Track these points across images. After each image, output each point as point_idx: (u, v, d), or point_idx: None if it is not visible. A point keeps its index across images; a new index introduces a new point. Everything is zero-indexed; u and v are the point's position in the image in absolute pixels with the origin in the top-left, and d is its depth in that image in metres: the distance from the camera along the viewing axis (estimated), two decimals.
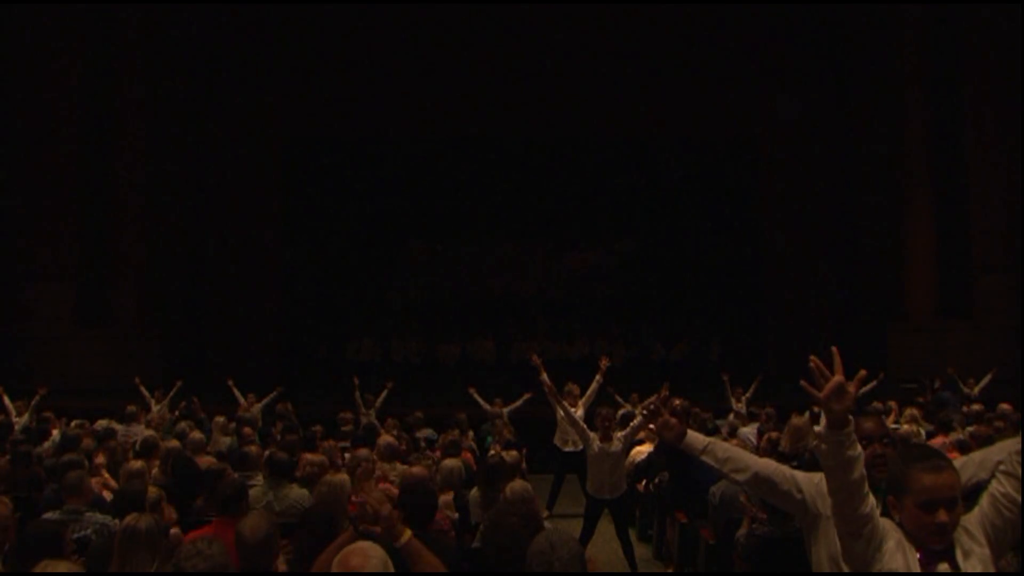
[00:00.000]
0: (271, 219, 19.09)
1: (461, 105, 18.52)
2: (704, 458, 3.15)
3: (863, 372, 2.54)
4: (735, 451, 3.19)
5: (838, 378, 2.50)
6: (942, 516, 2.36)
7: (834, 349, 2.59)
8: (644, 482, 8.32)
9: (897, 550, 2.42)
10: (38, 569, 3.13)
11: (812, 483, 3.03)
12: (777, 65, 18.76)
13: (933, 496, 2.38)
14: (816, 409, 11.27)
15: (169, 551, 4.36)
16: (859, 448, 2.48)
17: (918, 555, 2.41)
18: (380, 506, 3.15)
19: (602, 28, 18.35)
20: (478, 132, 19.03)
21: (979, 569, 2.36)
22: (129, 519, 3.64)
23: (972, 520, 2.38)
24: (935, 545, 2.38)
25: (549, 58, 18.28)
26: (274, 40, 18.52)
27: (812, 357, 2.61)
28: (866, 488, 2.48)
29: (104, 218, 16.42)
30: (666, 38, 18.44)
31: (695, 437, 3.19)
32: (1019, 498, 2.33)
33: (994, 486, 2.36)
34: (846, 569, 2.65)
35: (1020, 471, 2.32)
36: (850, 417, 2.49)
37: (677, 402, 6.68)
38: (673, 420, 3.22)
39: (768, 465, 3.14)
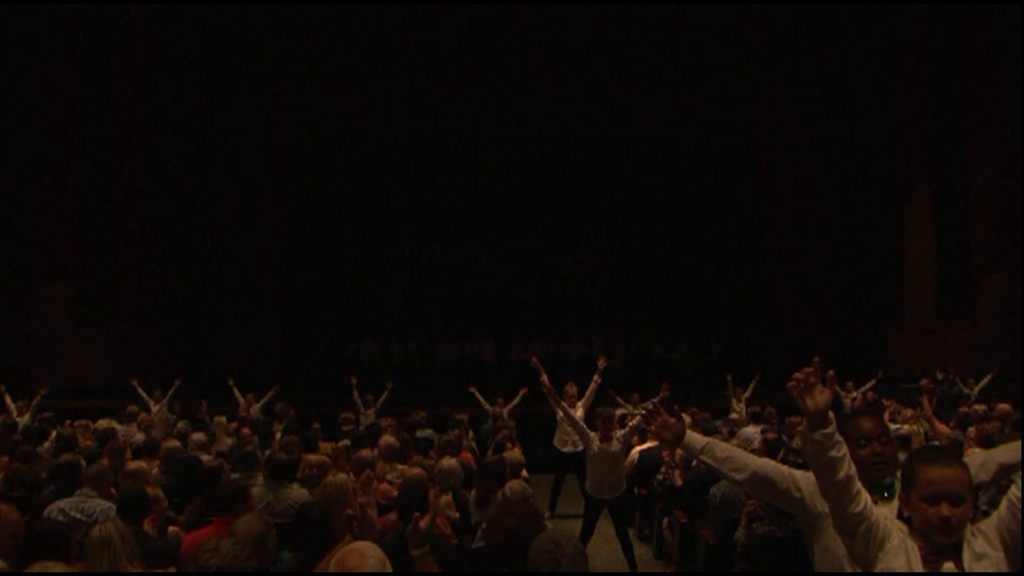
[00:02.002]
0: (271, 219, 19.09)
1: (461, 107, 18.53)
2: (703, 458, 3.15)
3: (831, 372, 2.51)
4: (733, 451, 3.19)
5: (811, 378, 2.49)
6: (945, 510, 2.35)
7: (816, 360, 2.56)
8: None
9: (900, 549, 2.41)
10: (34, 570, 3.13)
11: (811, 481, 3.02)
12: (777, 65, 18.76)
13: (936, 489, 2.37)
14: None
15: (169, 550, 4.37)
16: (843, 449, 2.47)
17: (920, 552, 2.39)
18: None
19: (600, 29, 18.33)
20: (477, 134, 19.03)
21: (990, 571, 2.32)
22: (93, 530, 3.64)
23: (990, 524, 2.36)
24: (941, 540, 2.37)
25: (548, 60, 18.27)
26: (275, 39, 18.51)
27: (794, 376, 2.58)
28: (856, 487, 2.47)
29: (104, 218, 16.43)
30: (665, 39, 18.42)
31: (693, 437, 3.18)
32: None
33: (1012, 491, 2.33)
34: (848, 567, 2.63)
35: None
36: (831, 416, 2.47)
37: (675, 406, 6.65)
38: (672, 420, 3.20)
39: (767, 464, 3.13)
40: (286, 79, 18.67)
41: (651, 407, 3.28)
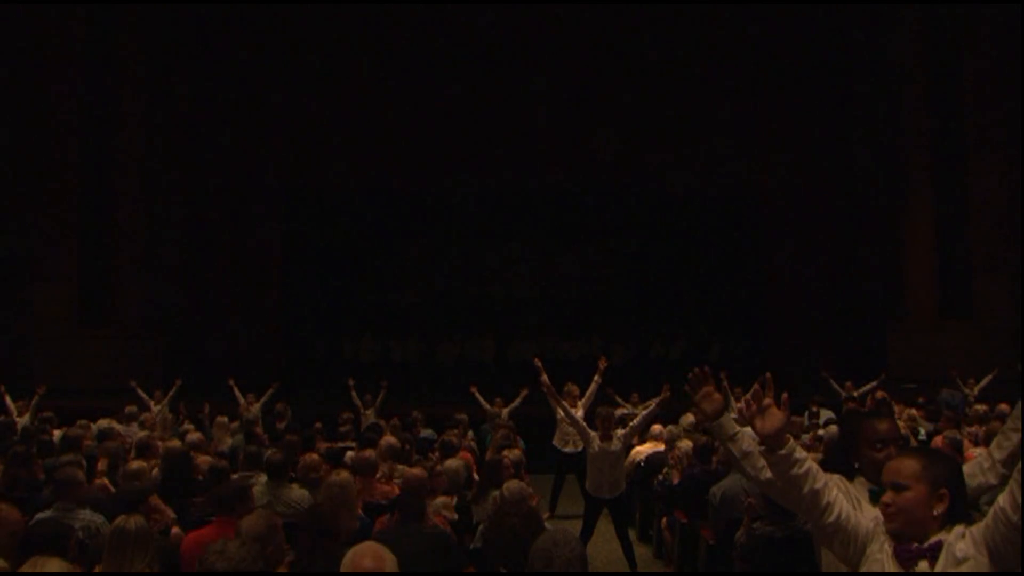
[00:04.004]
0: (271, 219, 19.07)
1: (460, 155, 18.64)
2: (729, 445, 3.04)
3: (786, 396, 2.55)
4: (757, 449, 3.16)
5: (766, 400, 2.54)
6: (886, 497, 2.40)
7: (768, 376, 2.60)
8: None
9: (880, 553, 2.42)
10: (27, 566, 3.12)
11: None
12: (777, 62, 18.75)
13: (883, 480, 2.45)
14: (814, 408, 11.31)
15: (169, 550, 4.37)
16: (804, 466, 2.50)
17: (894, 551, 2.39)
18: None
19: (594, 69, 18.48)
20: (475, 178, 19.00)
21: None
22: (119, 520, 3.65)
23: (979, 528, 2.35)
24: (887, 527, 2.41)
25: (546, 104, 18.43)
26: (270, 22, 18.51)
27: (757, 385, 2.63)
28: (825, 500, 2.49)
29: (104, 218, 16.43)
30: (664, 37, 18.47)
31: (728, 421, 3.05)
32: (1014, 517, 2.22)
33: (999, 499, 2.33)
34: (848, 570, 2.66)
35: (1021, 492, 2.21)
36: (788, 437, 2.50)
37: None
38: (716, 393, 3.00)
39: None
40: (288, 79, 18.66)
41: (696, 374, 3.13)
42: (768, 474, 3.00)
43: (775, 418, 2.50)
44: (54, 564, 3.16)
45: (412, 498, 4.48)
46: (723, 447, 3.11)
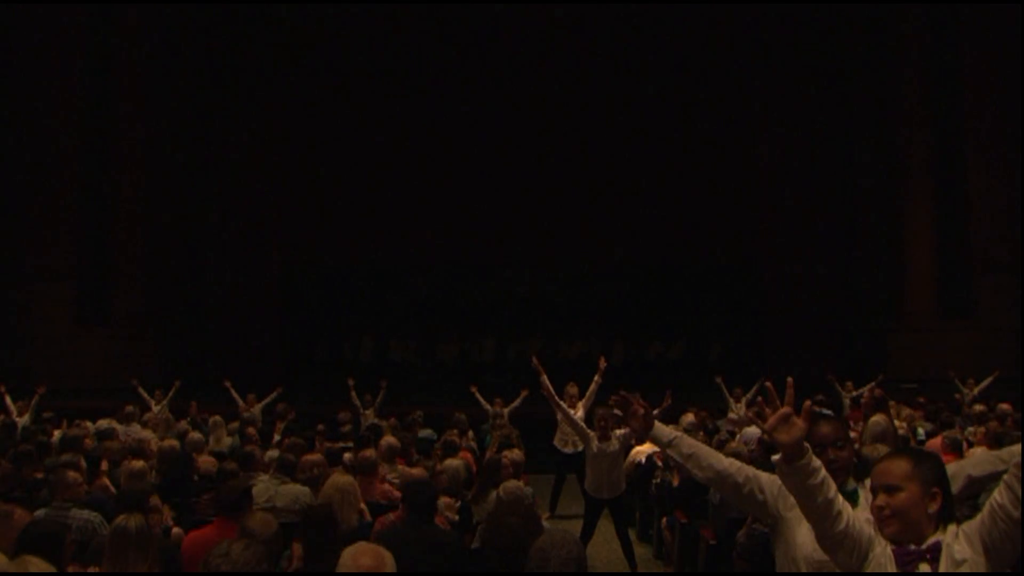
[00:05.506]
0: (271, 218, 19.06)
1: (461, 156, 18.72)
2: (669, 452, 3.11)
3: (808, 403, 2.50)
4: (701, 448, 3.14)
5: (785, 409, 2.45)
6: (879, 499, 2.39)
7: (789, 380, 2.53)
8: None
9: (883, 556, 2.41)
10: (13, 565, 3.11)
11: (775, 484, 2.98)
12: (776, 62, 18.75)
13: (874, 481, 2.43)
14: (817, 409, 11.27)
15: (169, 551, 4.37)
16: (820, 475, 2.45)
17: (893, 553, 2.37)
18: None
19: (593, 69, 18.53)
20: (476, 178, 19.03)
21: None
22: (119, 519, 3.64)
23: (973, 527, 2.34)
24: (881, 531, 2.39)
25: (547, 107, 18.51)
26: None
27: (768, 382, 2.59)
28: (836, 508, 2.45)
29: (104, 218, 16.42)
30: (665, 37, 18.47)
31: (661, 430, 3.14)
32: (1015, 513, 2.23)
33: (994, 496, 2.32)
34: (804, 568, 2.75)
35: (1020, 486, 2.22)
36: (806, 446, 2.45)
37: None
38: (641, 410, 3.13)
39: (732, 464, 3.09)
40: (288, 76, 18.65)
41: (623, 398, 3.23)
42: (710, 473, 3.03)
43: (797, 428, 2.43)
44: (35, 564, 3.15)
45: (419, 494, 4.44)
46: (663, 452, 3.12)
